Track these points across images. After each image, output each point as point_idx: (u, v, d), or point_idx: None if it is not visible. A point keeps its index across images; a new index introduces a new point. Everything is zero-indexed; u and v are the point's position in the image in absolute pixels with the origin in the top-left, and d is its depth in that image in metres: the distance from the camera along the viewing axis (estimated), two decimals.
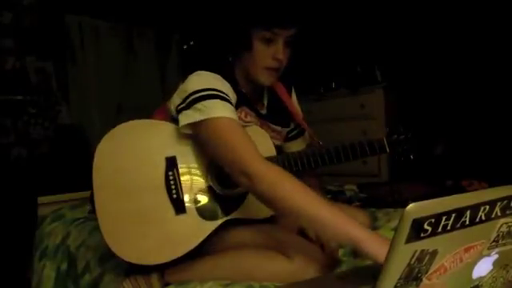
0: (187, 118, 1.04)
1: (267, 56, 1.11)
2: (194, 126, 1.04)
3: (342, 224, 0.84)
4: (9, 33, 3.01)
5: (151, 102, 1.86)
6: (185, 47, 3.87)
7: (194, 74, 1.09)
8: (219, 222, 1.10)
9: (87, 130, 3.27)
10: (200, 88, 1.04)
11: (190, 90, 1.05)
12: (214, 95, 1.03)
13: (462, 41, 2.38)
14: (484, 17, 2.29)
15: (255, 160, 0.94)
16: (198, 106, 1.02)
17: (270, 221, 1.16)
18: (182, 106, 1.06)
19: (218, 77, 1.09)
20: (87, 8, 3.32)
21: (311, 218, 0.88)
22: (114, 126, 1.10)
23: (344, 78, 2.98)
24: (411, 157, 1.19)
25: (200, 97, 1.03)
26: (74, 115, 3.30)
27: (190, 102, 1.04)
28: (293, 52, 1.16)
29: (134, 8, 3.50)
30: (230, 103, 1.05)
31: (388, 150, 1.16)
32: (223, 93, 1.05)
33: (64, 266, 1.47)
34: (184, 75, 1.13)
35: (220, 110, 1.01)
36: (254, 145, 0.98)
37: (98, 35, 3.47)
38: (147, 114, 1.21)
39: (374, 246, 0.77)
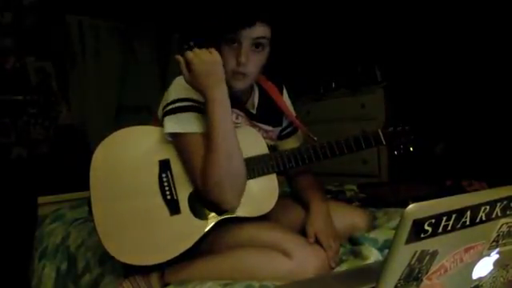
0: (167, 126, 1.08)
1: (231, 59, 1.10)
2: (172, 134, 1.09)
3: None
4: (9, 33, 3.01)
5: (151, 103, 1.87)
6: (185, 47, 3.86)
7: (176, 79, 1.13)
8: (214, 220, 1.10)
9: (87, 130, 3.27)
10: (177, 98, 1.09)
11: (170, 99, 1.10)
12: (189, 107, 1.08)
13: (462, 41, 2.38)
14: (484, 17, 2.29)
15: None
16: (174, 118, 1.08)
17: (265, 218, 1.16)
18: (164, 111, 1.10)
19: None
20: (87, 8, 3.31)
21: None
22: (113, 127, 1.13)
23: (344, 78, 2.98)
24: (411, 149, 1.19)
25: (177, 108, 1.08)
26: (74, 115, 3.29)
27: (168, 111, 1.09)
28: (271, 55, 1.14)
29: (134, 8, 3.49)
30: (203, 113, 1.08)
31: (384, 141, 1.17)
32: (198, 102, 1.09)
33: (64, 266, 1.47)
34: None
35: (192, 126, 1.07)
36: None
37: (98, 35, 3.47)
38: (147, 115, 1.22)
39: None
